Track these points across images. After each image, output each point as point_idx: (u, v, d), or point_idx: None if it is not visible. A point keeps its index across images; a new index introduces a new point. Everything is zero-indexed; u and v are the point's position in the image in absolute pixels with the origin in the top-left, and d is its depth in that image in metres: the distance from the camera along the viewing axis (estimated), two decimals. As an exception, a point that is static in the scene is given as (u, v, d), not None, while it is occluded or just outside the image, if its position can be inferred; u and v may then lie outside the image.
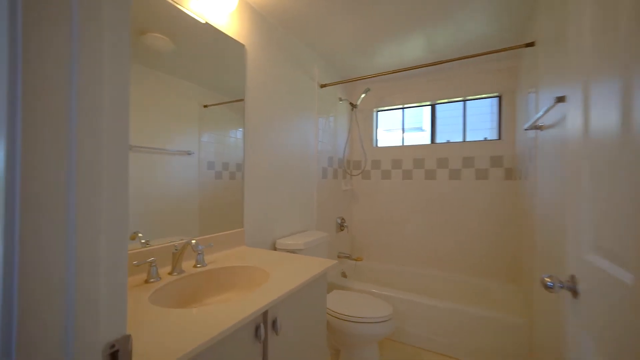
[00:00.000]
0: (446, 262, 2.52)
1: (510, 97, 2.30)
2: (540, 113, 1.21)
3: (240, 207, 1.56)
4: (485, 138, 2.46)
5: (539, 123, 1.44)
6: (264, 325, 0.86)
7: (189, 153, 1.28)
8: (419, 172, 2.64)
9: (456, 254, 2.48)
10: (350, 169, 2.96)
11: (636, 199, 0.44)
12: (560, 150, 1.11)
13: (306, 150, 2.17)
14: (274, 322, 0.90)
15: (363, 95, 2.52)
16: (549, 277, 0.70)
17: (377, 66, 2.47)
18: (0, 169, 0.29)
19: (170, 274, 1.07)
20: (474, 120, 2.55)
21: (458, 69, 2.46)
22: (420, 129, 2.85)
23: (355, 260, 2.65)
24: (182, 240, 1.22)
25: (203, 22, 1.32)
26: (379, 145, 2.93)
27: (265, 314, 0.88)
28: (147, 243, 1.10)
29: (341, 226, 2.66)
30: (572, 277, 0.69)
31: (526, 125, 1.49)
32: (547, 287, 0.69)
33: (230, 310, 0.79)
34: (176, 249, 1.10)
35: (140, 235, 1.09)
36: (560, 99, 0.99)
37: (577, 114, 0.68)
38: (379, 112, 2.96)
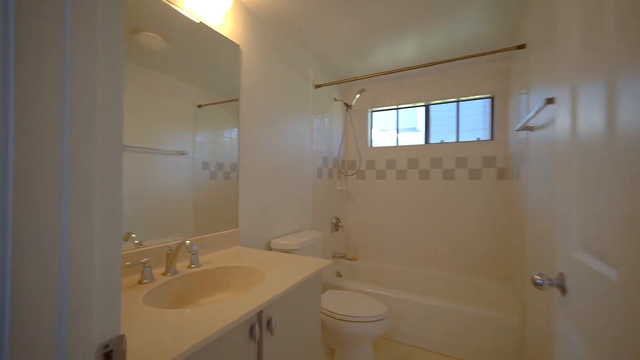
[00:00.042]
0: (440, 261, 2.55)
1: (502, 98, 2.33)
2: (531, 114, 1.24)
3: (235, 207, 1.56)
4: (478, 138, 2.49)
5: (530, 124, 1.46)
6: (258, 325, 0.86)
7: (183, 153, 1.27)
8: (413, 172, 2.66)
9: (450, 253, 2.51)
10: (345, 169, 2.97)
11: (620, 199, 0.46)
12: (549, 150, 1.14)
13: (301, 150, 2.17)
14: (269, 322, 0.90)
15: (358, 96, 2.53)
16: (539, 274, 0.71)
17: (372, 67, 2.48)
18: (-8, 168, 0.29)
19: (164, 274, 1.07)
20: (467, 120, 2.58)
21: (451, 70, 2.49)
22: (415, 129, 2.88)
23: (350, 260, 2.67)
24: (176, 240, 1.21)
25: (197, 21, 1.32)
26: (374, 145, 2.95)
27: (260, 314, 0.88)
28: (140, 244, 1.09)
29: (336, 226, 2.67)
30: (561, 275, 0.70)
31: (517, 126, 1.52)
32: (536, 284, 0.70)
33: (224, 310, 0.79)
34: (170, 250, 1.09)
35: (133, 235, 1.08)
36: (550, 101, 1.01)
37: (565, 116, 0.70)
38: (373, 113, 2.97)
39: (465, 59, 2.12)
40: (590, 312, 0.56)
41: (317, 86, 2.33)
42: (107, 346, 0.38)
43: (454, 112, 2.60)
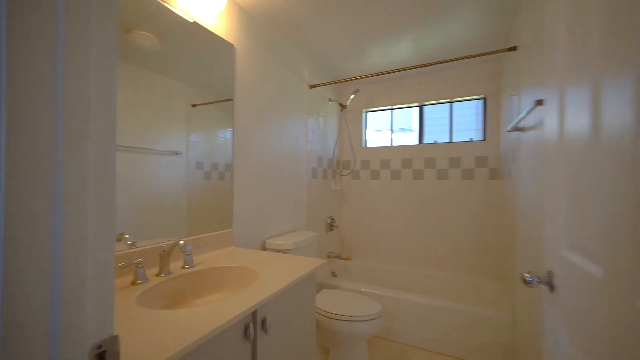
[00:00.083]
0: (433, 260, 2.57)
1: (494, 99, 2.37)
2: (522, 115, 1.26)
3: (230, 207, 1.55)
4: (471, 139, 2.53)
5: (521, 125, 1.49)
6: (253, 325, 0.86)
7: (176, 153, 1.27)
8: (407, 172, 2.68)
9: (443, 252, 2.54)
10: (340, 169, 2.98)
11: (606, 198, 0.47)
12: (539, 151, 1.16)
13: (296, 150, 2.17)
14: (263, 322, 0.90)
15: (352, 96, 2.55)
16: (528, 272, 0.73)
17: (366, 67, 2.50)
18: (-16, 169, 0.29)
19: (157, 275, 1.06)
20: (460, 121, 2.61)
21: (445, 71, 2.51)
22: (409, 130, 2.90)
23: (345, 259, 2.68)
24: (169, 241, 1.20)
25: (191, 21, 1.31)
26: (368, 145, 2.96)
27: (254, 314, 0.88)
28: (133, 244, 1.09)
29: (331, 226, 2.67)
30: (549, 273, 0.72)
31: (509, 127, 1.54)
32: (526, 282, 0.72)
33: (219, 310, 0.79)
34: (164, 250, 1.08)
35: (126, 236, 1.07)
36: (539, 102, 1.03)
37: (554, 117, 0.72)
38: (368, 113, 2.99)
39: (459, 60, 2.14)
40: (576, 309, 0.58)
41: (312, 86, 2.34)
42: (100, 346, 0.38)
43: (447, 112, 2.63)
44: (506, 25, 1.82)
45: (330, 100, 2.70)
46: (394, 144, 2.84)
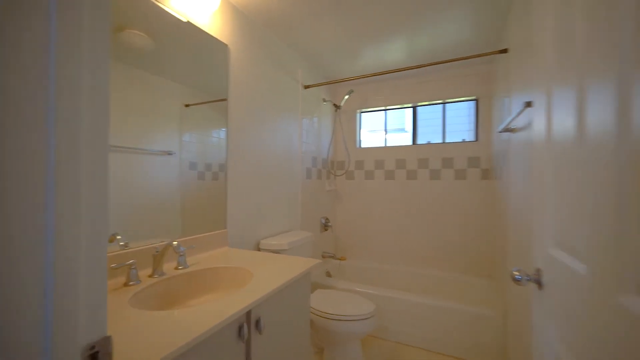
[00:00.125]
0: (427, 259, 2.60)
1: (486, 100, 2.40)
2: (512, 116, 1.29)
3: (224, 207, 1.55)
4: (464, 139, 2.56)
5: (511, 126, 1.52)
6: (247, 325, 0.86)
7: (169, 153, 1.26)
8: (400, 172, 2.70)
9: (436, 251, 2.56)
10: (334, 169, 2.99)
11: (590, 197, 0.49)
12: (528, 151, 1.18)
13: (290, 150, 2.17)
14: (257, 322, 0.90)
15: (346, 97, 2.56)
16: (518, 270, 0.75)
17: (360, 68, 2.51)
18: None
19: (150, 276, 1.05)
20: (453, 122, 2.64)
21: (438, 72, 2.54)
22: (403, 130, 2.93)
23: (339, 259, 2.69)
24: (163, 242, 1.19)
25: (185, 20, 1.30)
26: (363, 146, 2.98)
27: (248, 314, 0.88)
28: (126, 245, 1.08)
29: (325, 226, 2.68)
30: (538, 270, 0.74)
31: (500, 128, 1.57)
32: (515, 280, 0.74)
33: (212, 310, 0.79)
34: (157, 251, 1.08)
35: (119, 237, 1.06)
36: (528, 104, 1.06)
37: (542, 119, 0.73)
38: (362, 114, 3.00)
39: (451, 62, 2.17)
40: (562, 305, 0.59)
41: (306, 87, 2.34)
42: (93, 347, 0.38)
43: (441, 113, 2.66)
44: (498, 28, 1.85)
45: (324, 100, 2.71)
46: (388, 145, 2.86)
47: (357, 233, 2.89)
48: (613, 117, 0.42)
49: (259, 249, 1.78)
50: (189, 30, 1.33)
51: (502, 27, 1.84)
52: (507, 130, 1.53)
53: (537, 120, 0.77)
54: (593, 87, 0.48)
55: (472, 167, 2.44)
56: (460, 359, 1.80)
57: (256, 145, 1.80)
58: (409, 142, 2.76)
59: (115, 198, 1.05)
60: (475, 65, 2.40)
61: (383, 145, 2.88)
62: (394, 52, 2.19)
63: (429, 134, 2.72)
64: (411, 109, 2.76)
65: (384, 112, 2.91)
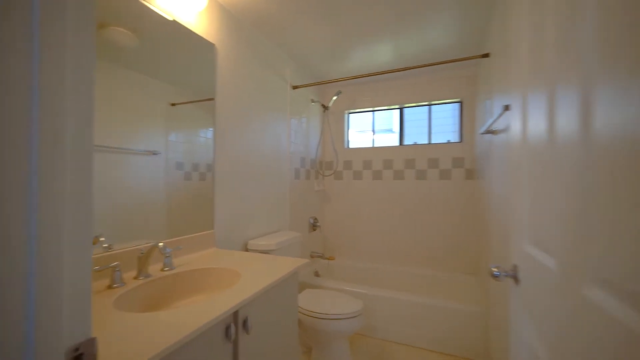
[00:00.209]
0: (413, 258, 2.65)
1: (470, 102, 2.47)
2: (493, 119, 1.33)
3: (211, 208, 1.54)
4: (449, 140, 2.63)
5: (493, 128, 1.57)
6: (234, 325, 0.87)
7: (155, 153, 1.24)
8: (388, 172, 2.75)
9: (422, 250, 2.62)
10: (323, 169, 3.01)
11: (558, 196, 0.52)
12: (507, 153, 1.23)
13: (278, 150, 2.17)
14: (245, 322, 0.91)
15: (334, 98, 2.58)
16: (496, 267, 0.78)
17: (348, 70, 2.54)
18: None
19: (135, 278, 1.04)
20: (438, 123, 2.71)
21: (424, 75, 2.60)
22: (391, 131, 2.98)
23: (328, 259, 2.70)
24: (148, 243, 1.18)
25: (170, 19, 1.29)
26: (351, 146, 3.01)
27: (235, 314, 0.88)
28: (109, 247, 1.06)
29: (314, 226, 2.69)
30: (515, 267, 0.77)
31: (482, 130, 1.62)
32: (493, 275, 0.77)
33: (199, 311, 0.79)
34: (142, 253, 1.06)
35: (102, 239, 1.04)
36: (507, 107, 1.10)
37: (518, 121, 0.77)
38: (350, 114, 3.03)
39: (436, 65, 2.22)
40: (535, 298, 0.63)
41: (295, 87, 2.35)
42: (77, 349, 0.38)
43: (427, 114, 2.72)
44: (480, 33, 1.91)
45: (312, 101, 2.72)
46: (375, 145, 2.90)
47: (346, 233, 2.92)
48: (577, 120, 0.45)
49: (247, 250, 1.77)
50: (175, 28, 1.32)
51: (483, 32, 1.90)
52: (488, 132, 1.59)
53: (514, 123, 0.81)
54: (561, 91, 0.51)
55: (457, 167, 2.50)
56: (446, 355, 1.85)
57: (244, 145, 1.80)
58: (396, 142, 2.80)
59: (99, 199, 1.03)
60: (460, 69, 2.46)
61: (371, 145, 2.92)
62: (381, 54, 2.23)
63: (416, 135, 2.77)
64: (398, 110, 2.81)
65: (371, 113, 2.95)
